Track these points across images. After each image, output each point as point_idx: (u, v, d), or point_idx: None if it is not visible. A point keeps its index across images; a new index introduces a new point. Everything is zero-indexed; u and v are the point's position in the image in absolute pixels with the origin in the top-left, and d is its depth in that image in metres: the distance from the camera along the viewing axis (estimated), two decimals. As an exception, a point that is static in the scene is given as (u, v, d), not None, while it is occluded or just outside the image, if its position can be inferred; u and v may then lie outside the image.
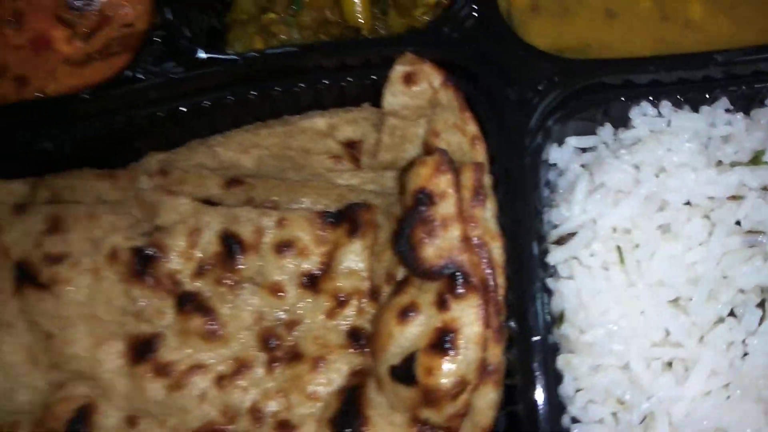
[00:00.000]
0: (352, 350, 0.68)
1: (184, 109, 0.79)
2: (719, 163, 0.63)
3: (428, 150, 0.73)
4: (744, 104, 0.66)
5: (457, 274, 0.62)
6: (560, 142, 0.68)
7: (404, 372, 0.62)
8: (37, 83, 0.83)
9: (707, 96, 0.65)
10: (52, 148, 0.79)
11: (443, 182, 0.63)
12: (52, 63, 0.83)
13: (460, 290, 0.61)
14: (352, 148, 0.78)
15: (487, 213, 0.66)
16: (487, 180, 0.67)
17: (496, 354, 0.64)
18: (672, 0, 0.71)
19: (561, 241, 0.64)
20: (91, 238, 0.73)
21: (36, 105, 0.82)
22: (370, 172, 0.79)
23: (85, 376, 0.71)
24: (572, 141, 0.69)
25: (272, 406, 0.67)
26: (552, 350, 0.62)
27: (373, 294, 0.69)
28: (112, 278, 0.70)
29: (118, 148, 0.80)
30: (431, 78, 0.70)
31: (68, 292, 0.71)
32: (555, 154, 0.69)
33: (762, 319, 0.58)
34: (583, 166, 0.68)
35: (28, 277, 0.73)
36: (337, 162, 0.79)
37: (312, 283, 0.69)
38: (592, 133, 0.68)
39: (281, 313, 0.71)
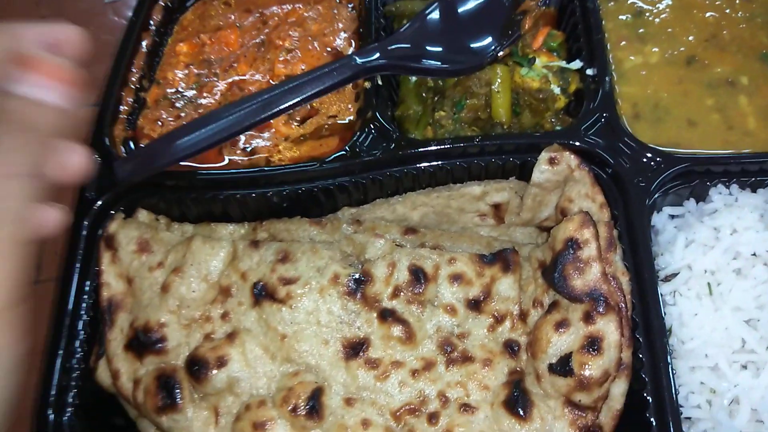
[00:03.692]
0: (508, 356, 0.91)
1: (372, 178, 1.03)
2: (774, 226, 0.92)
3: (563, 212, 1.00)
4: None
5: (600, 298, 0.86)
6: (659, 211, 0.96)
7: (562, 367, 0.85)
8: (263, 153, 1.07)
9: (763, 181, 0.94)
10: (277, 201, 1.03)
11: (587, 233, 0.89)
12: (275, 140, 1.08)
13: (602, 309, 0.85)
14: (497, 209, 1.04)
15: (617, 257, 0.92)
16: (615, 233, 0.94)
17: (627, 355, 0.88)
18: (734, 115, 0.99)
19: (667, 279, 0.91)
20: (316, 266, 0.97)
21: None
22: (505, 228, 1.07)
23: (312, 368, 0.91)
24: (667, 210, 0.96)
25: (454, 393, 0.89)
26: (663, 356, 0.87)
27: (522, 316, 0.93)
28: (333, 296, 0.92)
29: (321, 203, 1.04)
30: (570, 161, 0.95)
31: (300, 305, 0.92)
32: (655, 218, 0.97)
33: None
34: (675, 227, 0.96)
35: (266, 294, 0.96)
36: (483, 219, 1.06)
37: (476, 305, 0.93)
38: (681, 205, 0.96)
39: (454, 327, 0.94)
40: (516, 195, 1.02)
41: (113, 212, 1.03)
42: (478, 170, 1.02)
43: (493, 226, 1.04)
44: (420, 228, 1.02)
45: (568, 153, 0.95)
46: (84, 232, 1.01)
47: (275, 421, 0.88)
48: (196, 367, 0.91)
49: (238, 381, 0.91)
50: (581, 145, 0.95)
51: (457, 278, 0.94)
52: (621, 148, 0.94)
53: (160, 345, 0.94)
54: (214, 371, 0.91)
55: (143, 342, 0.93)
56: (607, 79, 0.99)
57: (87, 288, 0.99)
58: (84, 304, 0.98)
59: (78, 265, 0.99)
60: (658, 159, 0.93)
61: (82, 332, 0.97)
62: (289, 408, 0.88)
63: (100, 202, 1.02)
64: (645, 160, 0.93)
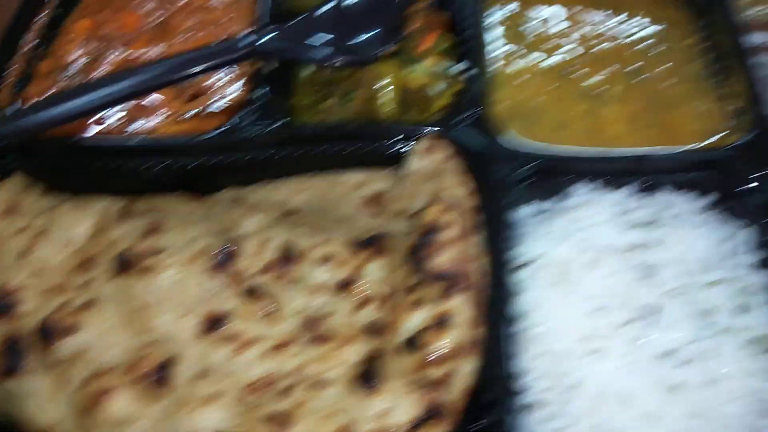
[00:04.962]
0: (371, 336, 0.92)
1: (255, 158, 1.04)
2: (627, 224, 0.96)
3: (435, 199, 1.04)
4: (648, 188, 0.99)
5: (456, 277, 0.88)
6: (521, 203, 0.98)
7: (415, 343, 0.87)
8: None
9: (623, 180, 0.98)
10: (157, 173, 1.02)
11: (449, 216, 0.92)
12: (163, 115, 1.07)
13: (457, 288, 0.87)
14: (378, 197, 1.07)
15: (479, 240, 0.96)
16: (479, 219, 0.97)
17: (478, 333, 0.91)
18: (604, 121, 1.03)
19: (522, 266, 0.94)
20: (185, 239, 0.96)
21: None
22: (386, 217, 1.09)
23: (168, 339, 0.89)
24: (530, 203, 0.98)
25: (311, 370, 0.88)
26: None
27: (389, 297, 0.96)
28: (200, 269, 0.92)
29: (205, 182, 1.05)
30: (444, 150, 0.99)
31: (163, 275, 0.90)
32: (517, 210, 0.98)
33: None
34: (536, 219, 0.99)
35: (130, 263, 0.94)
36: (363, 206, 1.08)
37: (345, 287, 0.94)
38: (544, 199, 0.99)
39: (321, 305, 0.96)
40: (396, 184, 1.04)
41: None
42: (360, 158, 1.04)
43: (375, 214, 1.05)
44: (300, 211, 1.03)
45: (441, 143, 0.98)
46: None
47: (120, 389, 0.86)
48: (45, 333, 0.89)
49: (88, 349, 0.89)
50: (453, 136, 0.99)
51: (327, 259, 0.95)
52: (490, 142, 0.99)
53: (13, 309, 0.92)
54: (64, 338, 0.88)
55: (-3, 305, 0.91)
56: (482, 79, 1.05)
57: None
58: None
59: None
60: (522, 153, 0.98)
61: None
62: (137, 376, 0.86)
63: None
64: (510, 154, 0.98)
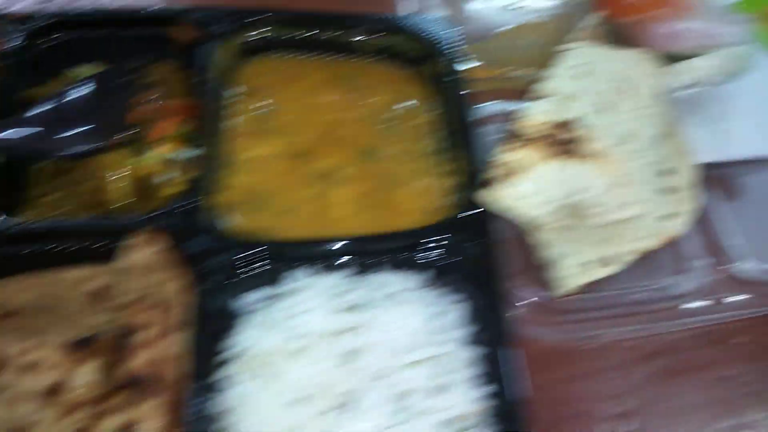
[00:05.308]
0: None
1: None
2: (339, 308, 0.98)
3: (147, 295, 1.03)
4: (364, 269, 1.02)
5: (151, 380, 0.88)
6: (239, 294, 0.98)
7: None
8: None
9: (339, 264, 1.00)
10: None
11: (149, 315, 0.92)
12: None
13: (151, 391, 0.87)
14: (100, 292, 1.04)
15: (183, 338, 0.95)
16: (185, 315, 0.96)
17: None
18: (330, 204, 1.06)
19: (230, 359, 0.94)
20: None
21: None
22: (105, 313, 1.06)
23: None
24: (250, 293, 0.98)
25: None
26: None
27: (99, 401, 0.93)
28: None
29: None
30: (159, 243, 0.99)
31: None
32: (236, 302, 0.98)
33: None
34: (252, 309, 0.99)
35: None
36: (88, 303, 1.05)
37: (53, 392, 0.92)
38: (263, 288, 0.99)
39: (25, 415, 0.93)
40: (116, 278, 1.02)
41: None
42: (87, 252, 1.02)
43: (97, 311, 1.03)
44: (21, 311, 1.00)
45: (156, 235, 0.98)
46: None
47: None
48: None
49: None
50: (169, 228, 0.99)
51: (36, 364, 0.91)
52: (211, 231, 0.99)
53: None
54: None
55: None
56: (212, 166, 1.05)
57: None
58: None
59: None
60: (243, 242, 0.99)
61: None
62: None
63: None
64: (230, 243, 0.98)
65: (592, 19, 1.27)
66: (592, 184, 0.99)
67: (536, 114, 1.01)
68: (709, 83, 1.17)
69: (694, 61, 1.16)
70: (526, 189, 0.93)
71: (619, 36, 1.27)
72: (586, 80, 1.09)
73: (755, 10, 1.42)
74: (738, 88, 1.26)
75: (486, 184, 0.93)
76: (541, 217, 0.95)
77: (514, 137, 0.97)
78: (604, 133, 1.05)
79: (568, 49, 1.17)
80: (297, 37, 1.20)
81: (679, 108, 1.23)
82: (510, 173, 0.94)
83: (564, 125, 1.00)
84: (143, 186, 1.06)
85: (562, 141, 0.98)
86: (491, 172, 0.94)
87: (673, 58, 1.18)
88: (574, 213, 1.00)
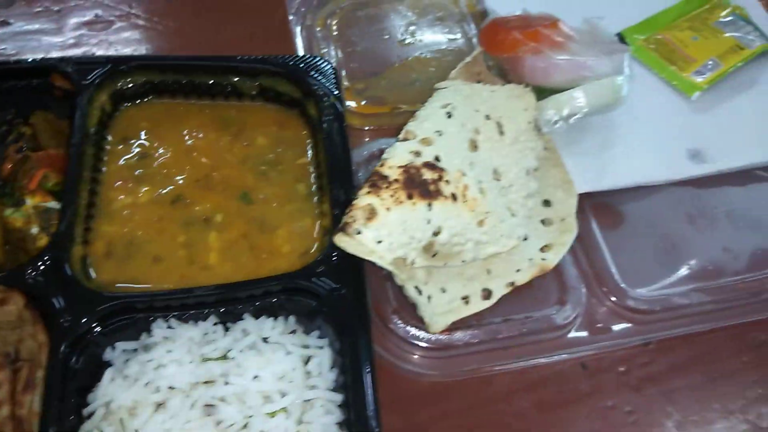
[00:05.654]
0: None
1: None
2: (201, 358, 0.97)
3: (16, 351, 1.01)
4: (227, 318, 1.01)
5: (2, 440, 0.87)
6: (106, 348, 0.97)
7: None
8: None
9: (201, 314, 1.00)
10: None
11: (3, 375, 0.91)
12: None
13: None
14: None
15: (36, 398, 0.94)
16: (40, 373, 0.95)
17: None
18: (200, 251, 1.06)
19: (88, 417, 0.92)
20: None
21: None
22: None
23: None
24: (120, 345, 0.98)
25: None
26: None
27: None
28: None
29: None
30: (18, 301, 0.99)
31: None
32: (107, 354, 0.99)
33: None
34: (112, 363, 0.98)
35: None
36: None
37: None
38: (127, 341, 0.98)
39: None
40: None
41: None
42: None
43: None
44: None
45: (14, 293, 0.96)
46: None
47: None
48: None
49: None
50: (31, 283, 0.97)
51: None
52: (66, 287, 0.97)
53: None
54: None
55: None
56: (80, 217, 1.04)
57: None
58: None
59: None
60: (104, 296, 0.97)
61: None
62: None
63: None
64: (86, 298, 0.96)
65: (476, 56, 1.30)
66: (457, 222, 1.00)
67: (401, 154, 1.02)
68: (586, 114, 1.19)
69: (569, 94, 1.18)
70: (383, 232, 0.93)
71: (502, 71, 1.30)
72: (457, 118, 1.11)
73: (642, 36, 1.46)
74: (615, 118, 1.29)
75: (343, 228, 0.93)
76: (404, 258, 0.96)
77: (378, 179, 0.98)
78: (474, 169, 1.07)
79: (442, 87, 1.19)
80: (176, 83, 1.20)
81: (559, 139, 1.26)
82: (370, 216, 0.94)
83: (429, 165, 1.01)
84: (14, 239, 1.05)
85: (426, 181, 0.99)
86: (351, 216, 0.94)
87: (549, 92, 1.20)
88: (442, 252, 1.00)
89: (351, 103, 1.33)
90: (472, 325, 1.10)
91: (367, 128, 1.32)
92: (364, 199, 0.95)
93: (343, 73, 1.39)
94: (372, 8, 1.52)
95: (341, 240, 0.92)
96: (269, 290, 0.99)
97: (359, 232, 0.92)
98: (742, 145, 1.32)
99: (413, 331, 1.08)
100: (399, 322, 1.09)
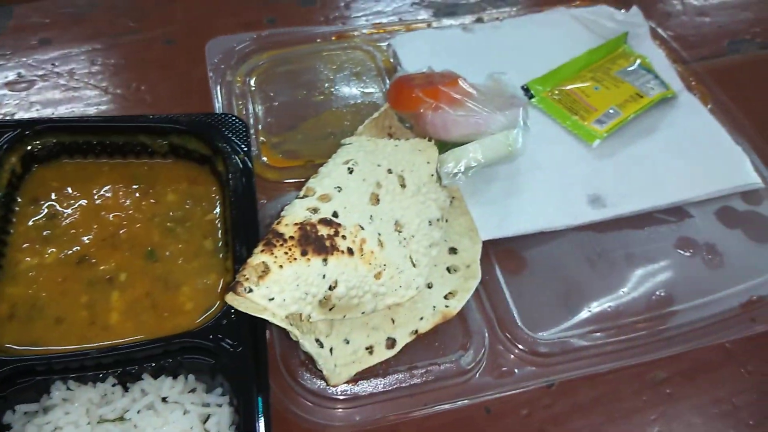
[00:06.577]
0: None
1: None
2: (97, 420, 0.97)
3: None
4: (126, 379, 1.02)
5: None
6: (11, 409, 0.98)
7: None
8: None
9: (102, 375, 1.00)
10: None
11: None
12: None
13: None
14: None
15: None
16: None
17: None
18: (102, 311, 1.07)
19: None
20: None
21: None
22: None
23: None
24: (22, 407, 0.98)
25: None
26: None
27: None
28: None
29: None
30: None
31: None
32: (7, 417, 0.98)
33: None
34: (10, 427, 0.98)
35: None
36: None
37: None
38: (25, 404, 0.98)
39: None
40: None
41: None
42: None
43: None
44: None
45: None
46: None
47: None
48: None
49: None
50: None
51: None
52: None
53: None
54: None
55: None
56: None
57: None
58: None
59: None
60: (2, 359, 0.97)
61: None
62: None
63: None
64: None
65: (386, 111, 1.35)
66: (354, 275, 1.04)
67: (298, 211, 1.05)
68: (483, 166, 1.24)
69: (466, 147, 1.23)
70: (275, 289, 0.96)
71: (408, 126, 1.36)
72: (359, 173, 1.15)
73: (547, 88, 1.54)
74: (520, 166, 1.36)
75: (234, 287, 0.95)
76: (299, 313, 0.99)
77: (273, 236, 1.01)
78: (373, 223, 1.11)
79: (347, 143, 1.23)
80: (87, 143, 1.22)
81: (465, 189, 1.32)
82: (262, 274, 0.97)
83: (325, 221, 1.05)
84: None
85: (321, 237, 1.02)
86: (242, 274, 0.97)
87: (451, 145, 1.26)
88: (340, 305, 1.03)
89: (265, 158, 1.37)
90: (379, 374, 1.13)
91: (285, 181, 1.36)
92: (257, 258, 0.98)
93: (260, 127, 1.43)
94: (291, 65, 1.58)
95: (232, 299, 0.95)
96: (168, 350, 1.01)
97: (250, 290, 0.95)
98: (639, 190, 1.39)
99: (321, 383, 1.10)
100: (307, 375, 1.11)
